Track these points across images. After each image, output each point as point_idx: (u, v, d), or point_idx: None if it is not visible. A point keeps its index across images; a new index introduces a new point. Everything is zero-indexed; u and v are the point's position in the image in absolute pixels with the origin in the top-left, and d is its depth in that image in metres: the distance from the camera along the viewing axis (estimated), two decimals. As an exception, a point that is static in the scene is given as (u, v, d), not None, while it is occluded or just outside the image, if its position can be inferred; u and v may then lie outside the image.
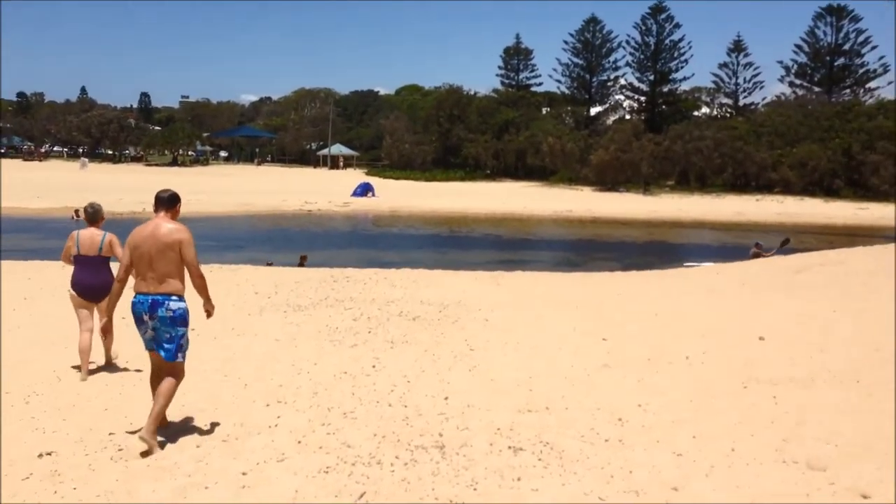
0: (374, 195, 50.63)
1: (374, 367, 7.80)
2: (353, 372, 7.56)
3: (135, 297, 5.62)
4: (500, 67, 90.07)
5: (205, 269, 14.64)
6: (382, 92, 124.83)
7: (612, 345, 9.12)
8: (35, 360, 7.98)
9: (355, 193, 50.63)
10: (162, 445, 5.46)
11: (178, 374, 5.70)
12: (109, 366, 7.89)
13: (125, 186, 48.82)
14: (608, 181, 64.05)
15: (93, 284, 7.56)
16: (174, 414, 6.05)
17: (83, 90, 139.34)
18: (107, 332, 6.10)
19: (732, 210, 48.61)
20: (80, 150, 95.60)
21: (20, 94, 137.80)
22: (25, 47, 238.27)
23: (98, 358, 7.95)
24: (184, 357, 5.74)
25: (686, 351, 8.70)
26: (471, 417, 6.14)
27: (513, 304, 12.19)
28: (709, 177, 65.38)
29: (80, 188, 45.01)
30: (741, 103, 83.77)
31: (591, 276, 16.89)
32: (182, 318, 5.63)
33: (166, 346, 5.60)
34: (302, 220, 36.86)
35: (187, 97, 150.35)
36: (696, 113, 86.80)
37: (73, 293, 7.65)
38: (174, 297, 5.56)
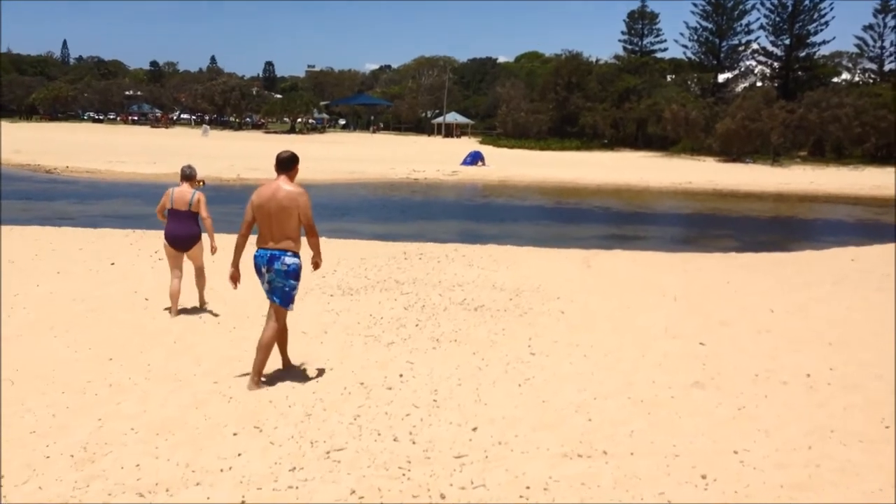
0: (483, 164, 49.22)
1: (401, 376, 6.32)
2: (371, 383, 6.10)
3: (256, 251, 6.15)
4: (622, 33, 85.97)
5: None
6: (502, 59, 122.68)
7: (710, 352, 7.32)
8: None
9: (465, 162, 49.40)
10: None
11: (280, 320, 6.26)
12: (202, 308, 8.73)
13: (239, 153, 49.33)
14: (734, 151, 60.08)
15: (180, 235, 8.45)
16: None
17: (212, 60, 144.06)
18: (234, 279, 6.40)
19: (872, 184, 44.22)
20: (204, 118, 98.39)
21: (153, 64, 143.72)
22: (160, 17, 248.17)
23: (191, 300, 8.76)
24: (291, 306, 6.25)
25: (807, 366, 6.82)
26: (496, 465, 4.55)
27: (599, 292, 10.45)
28: (847, 147, 60.32)
29: (197, 154, 45.64)
30: (886, 69, 76.86)
31: (701, 257, 14.79)
32: (295, 273, 6.13)
33: (279, 294, 6.13)
34: (407, 189, 35.75)
35: (313, 66, 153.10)
36: (835, 80, 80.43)
37: (166, 243, 8.54)
38: (289, 253, 6.06)
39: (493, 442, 4.93)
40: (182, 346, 7.08)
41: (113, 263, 11.37)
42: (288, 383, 6.09)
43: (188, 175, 8.77)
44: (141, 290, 9.56)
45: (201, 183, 26.98)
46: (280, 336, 6.38)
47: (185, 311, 8.55)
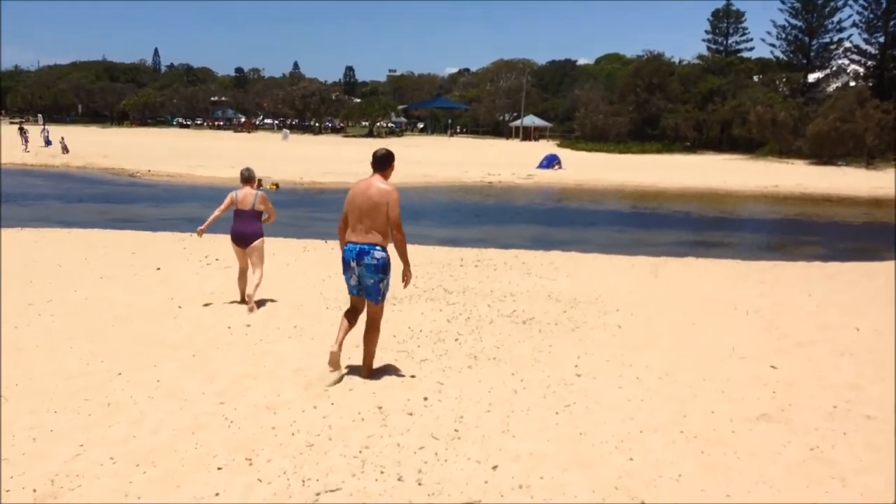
0: (560, 167, 48.29)
1: (425, 399, 5.73)
2: (391, 407, 5.53)
3: (346, 245, 6.27)
4: (706, 32, 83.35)
5: (335, 244, 13.32)
6: (582, 62, 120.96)
7: (782, 377, 6.48)
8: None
9: (541, 166, 48.61)
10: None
11: (377, 316, 6.39)
12: (245, 300, 8.89)
13: (316, 157, 49.82)
14: (825, 154, 57.32)
15: (243, 232, 8.98)
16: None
17: (295, 65, 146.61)
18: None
19: (977, 188, 41.42)
20: (284, 122, 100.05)
21: (238, 70, 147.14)
22: (247, 24, 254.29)
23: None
24: (383, 301, 6.38)
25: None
26: (510, 515, 3.93)
27: (664, 305, 9.64)
28: (948, 149, 56.93)
29: (274, 158, 46.24)
30: None
31: (781, 266, 13.67)
32: (384, 266, 6.22)
33: (371, 290, 6.23)
34: (480, 192, 35.15)
35: (394, 71, 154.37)
36: (935, 78, 76.21)
37: (232, 241, 9.10)
38: (378, 248, 6.15)
39: (512, 485, 4.28)
40: (200, 360, 6.64)
41: (158, 268, 11.13)
42: (300, 405, 5.55)
43: (247, 177, 9.17)
44: (178, 297, 9.23)
45: (275, 186, 26.75)
46: (369, 336, 6.40)
47: (216, 316, 8.17)
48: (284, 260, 12.16)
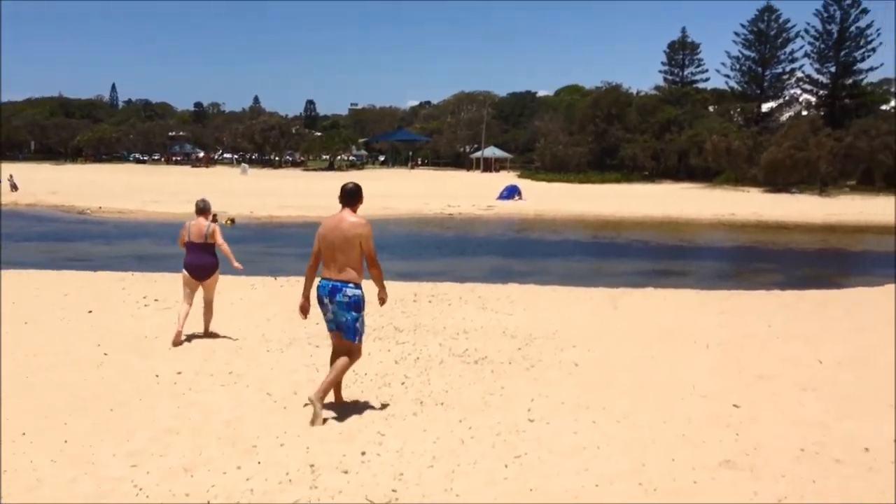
0: (520, 198, 48.24)
1: (363, 454, 5.24)
2: (324, 464, 5.03)
3: (319, 281, 6.18)
4: (663, 63, 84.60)
5: (285, 280, 12.76)
6: (542, 93, 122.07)
7: (745, 417, 6.12)
8: None
9: (501, 196, 48.51)
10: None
11: (353, 354, 6.27)
12: (207, 335, 9.08)
13: (275, 191, 49.28)
14: (779, 182, 58.03)
15: (198, 265, 8.96)
16: None
17: (255, 100, 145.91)
18: (304, 310, 6.52)
19: (927, 214, 42.13)
20: (243, 157, 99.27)
21: (197, 105, 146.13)
22: (205, 60, 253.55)
23: (197, 328, 9.13)
24: (360, 340, 6.25)
25: (864, 437, 5.59)
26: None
27: (622, 338, 9.27)
28: (897, 176, 57.97)
29: (232, 192, 45.56)
30: (939, 94, 74.38)
31: (739, 296, 13.43)
32: (356, 304, 6.12)
33: (344, 328, 6.14)
34: (439, 224, 34.85)
35: (356, 104, 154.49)
36: (883, 107, 77.97)
37: (185, 272, 9.03)
38: (351, 285, 6.08)
39: (452, 555, 3.83)
40: (118, 414, 6.08)
41: (90, 311, 10.51)
42: (222, 465, 5.03)
43: (202, 208, 9.20)
44: (107, 342, 8.62)
45: (231, 222, 26.16)
46: (340, 364, 6.21)
47: (146, 362, 7.61)
48: (229, 298, 11.61)
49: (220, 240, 9.00)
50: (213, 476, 4.85)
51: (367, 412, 6.23)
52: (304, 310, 6.49)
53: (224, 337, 9.09)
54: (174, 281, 13.76)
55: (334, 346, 6.35)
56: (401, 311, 10.96)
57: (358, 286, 6.11)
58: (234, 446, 5.38)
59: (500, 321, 10.34)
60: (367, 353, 8.17)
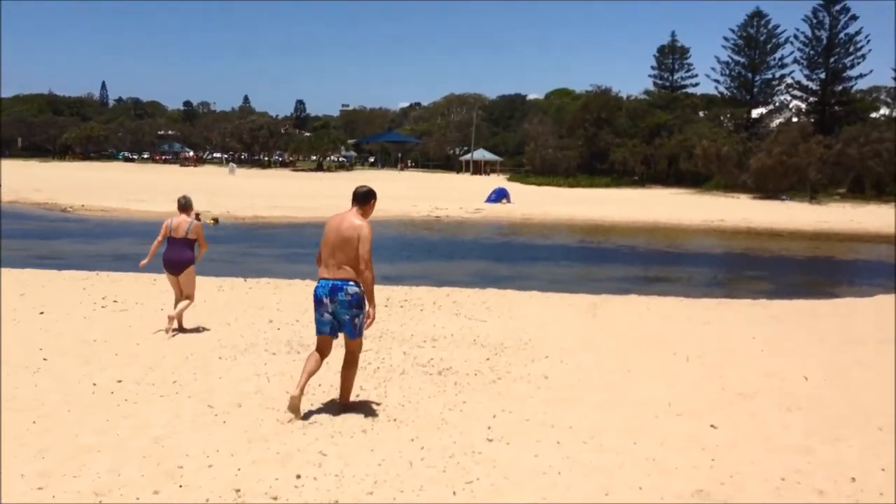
0: (508, 201, 47.84)
1: (298, 477, 4.73)
2: (253, 490, 4.52)
3: (318, 281, 6.12)
4: (653, 68, 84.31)
5: (255, 283, 12.25)
6: (533, 96, 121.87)
7: (722, 440, 5.65)
8: None
9: (489, 199, 48.10)
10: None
11: (356, 350, 6.29)
12: (179, 329, 9.12)
13: (262, 191, 48.85)
14: (769, 188, 57.83)
15: (174, 260, 9.14)
16: None
17: (245, 99, 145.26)
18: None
19: (917, 222, 41.89)
20: (232, 157, 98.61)
21: (186, 104, 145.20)
22: (197, 58, 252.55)
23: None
24: (359, 335, 6.24)
25: (852, 464, 5.13)
26: None
27: (598, 349, 8.81)
28: (888, 184, 57.74)
29: (219, 192, 45.08)
30: (929, 102, 74.35)
31: (725, 305, 12.99)
32: (359, 301, 6.05)
33: (347, 326, 6.09)
34: (427, 227, 34.37)
35: (347, 105, 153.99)
36: (873, 115, 77.95)
37: (164, 267, 9.24)
38: (351, 283, 6.00)
39: None
40: (39, 428, 5.52)
41: (42, 313, 9.98)
42: (137, 490, 4.51)
43: (184, 205, 9.36)
44: (50, 346, 8.09)
45: (214, 221, 25.67)
46: (347, 371, 6.32)
47: (86, 368, 7.09)
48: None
49: (201, 235, 9.28)
50: (123, 502, 4.34)
51: (313, 428, 5.73)
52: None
53: (191, 331, 9.18)
54: (137, 281, 13.31)
55: (319, 346, 6.25)
56: (370, 316, 10.48)
57: (358, 284, 6.02)
58: (158, 466, 4.87)
59: (472, 328, 9.86)
60: (324, 363, 7.72)
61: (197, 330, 9.27)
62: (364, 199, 6.19)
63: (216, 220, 30.08)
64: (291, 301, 11.62)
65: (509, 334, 9.54)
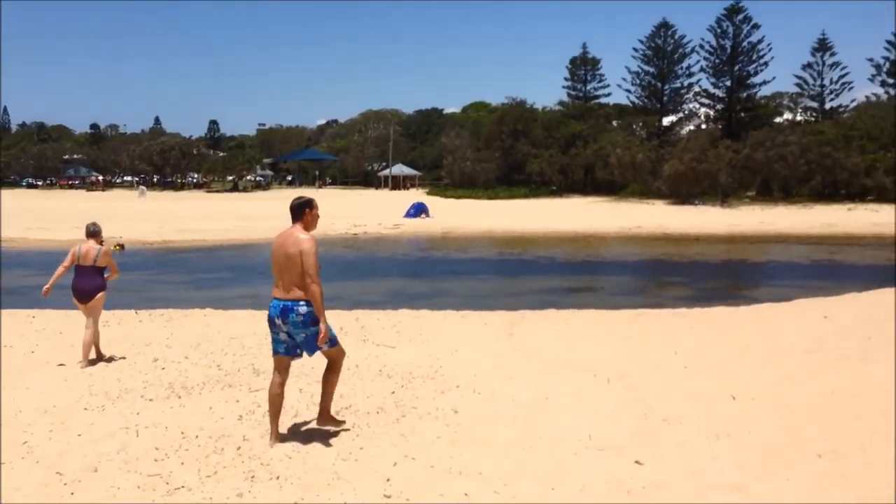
0: (427, 216, 47.34)
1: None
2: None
3: (271, 301, 5.93)
4: (566, 79, 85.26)
5: (147, 315, 11.18)
6: (450, 111, 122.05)
7: (649, 481, 5.04)
8: None
9: (408, 214, 47.54)
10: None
11: (337, 359, 6.14)
12: (99, 357, 9.02)
13: (173, 215, 47.08)
14: (682, 193, 58.89)
15: (82, 288, 8.88)
16: None
17: (156, 120, 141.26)
18: None
19: (822, 221, 43.05)
20: (142, 179, 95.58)
21: (93, 126, 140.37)
22: (102, 80, 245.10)
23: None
24: (337, 342, 6.05)
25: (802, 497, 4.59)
26: None
27: (514, 374, 8.14)
28: (794, 186, 59.56)
29: (127, 217, 43.23)
30: (828, 107, 77.04)
31: (646, 316, 12.55)
32: (313, 319, 5.78)
33: (306, 345, 5.92)
34: (344, 245, 33.42)
35: (264, 125, 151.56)
36: (777, 120, 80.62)
37: (73, 295, 8.96)
38: (302, 303, 5.77)
39: None
40: None
41: None
42: None
43: (93, 232, 9.14)
44: None
45: (120, 248, 24.26)
46: (329, 376, 6.18)
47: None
48: (69, 339, 10.06)
49: (111, 260, 9.09)
50: None
51: (177, 494, 4.88)
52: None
53: (110, 360, 9.04)
54: (13, 319, 12.10)
55: (276, 366, 6.12)
56: (268, 348, 9.61)
57: (309, 303, 5.76)
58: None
59: (378, 357, 9.09)
60: (208, 406, 6.87)
61: (65, 377, 8.24)
62: (299, 210, 5.96)
63: (122, 247, 28.65)
64: (183, 335, 10.63)
65: (419, 361, 8.82)
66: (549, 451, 5.63)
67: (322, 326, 5.77)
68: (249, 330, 10.88)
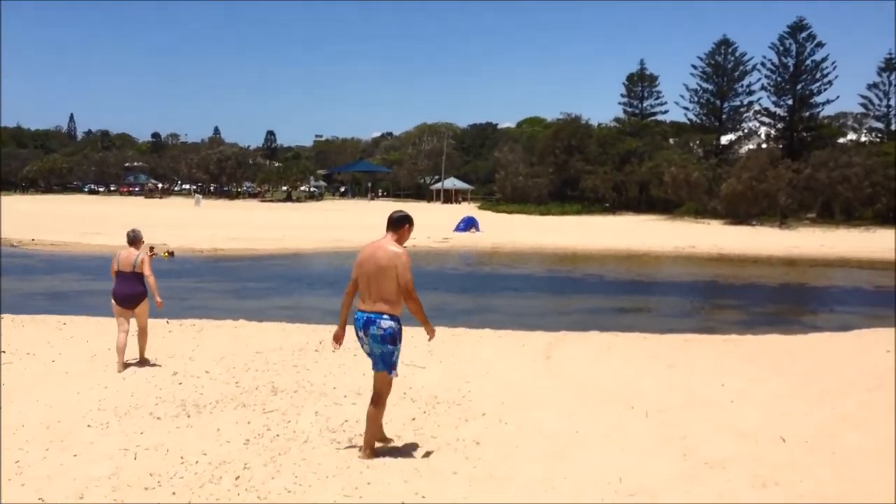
0: (477, 230, 46.95)
1: None
2: None
3: (356, 313, 5.87)
4: (622, 95, 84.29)
5: (177, 325, 10.96)
6: (504, 125, 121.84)
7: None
8: None
9: (458, 228, 47.26)
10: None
11: (384, 387, 5.98)
12: (142, 362, 9.18)
13: (226, 223, 47.57)
14: (740, 213, 57.43)
15: (126, 294, 9.05)
16: None
17: (216, 130, 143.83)
18: (337, 339, 6.26)
19: (887, 246, 41.34)
20: (199, 187, 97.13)
21: (154, 135, 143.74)
22: (166, 91, 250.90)
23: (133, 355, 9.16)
24: (394, 371, 5.96)
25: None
26: None
27: (545, 404, 7.61)
28: (857, 208, 57.54)
29: (182, 224, 43.91)
30: (894, 127, 74.50)
31: (694, 343, 11.86)
32: (392, 336, 5.79)
33: (379, 360, 5.86)
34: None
35: (320, 136, 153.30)
36: (840, 140, 78.29)
37: (113, 302, 9.12)
38: (385, 317, 5.74)
39: None
40: None
41: None
42: None
43: (133, 239, 9.33)
44: None
45: (169, 254, 24.60)
46: (373, 411, 5.94)
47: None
48: (92, 349, 9.85)
49: (147, 271, 9.08)
50: None
51: (163, 531, 4.51)
52: (338, 339, 6.25)
53: (154, 365, 9.19)
54: (45, 324, 11.99)
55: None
56: (292, 365, 9.24)
57: (393, 318, 5.77)
58: None
59: (406, 378, 8.63)
60: (216, 428, 6.49)
61: (78, 389, 7.97)
62: (399, 223, 5.96)
63: (171, 254, 28.86)
64: (209, 347, 10.34)
65: (447, 384, 8.35)
66: (573, 494, 5.10)
67: (428, 327, 5.96)
68: (276, 344, 10.56)
